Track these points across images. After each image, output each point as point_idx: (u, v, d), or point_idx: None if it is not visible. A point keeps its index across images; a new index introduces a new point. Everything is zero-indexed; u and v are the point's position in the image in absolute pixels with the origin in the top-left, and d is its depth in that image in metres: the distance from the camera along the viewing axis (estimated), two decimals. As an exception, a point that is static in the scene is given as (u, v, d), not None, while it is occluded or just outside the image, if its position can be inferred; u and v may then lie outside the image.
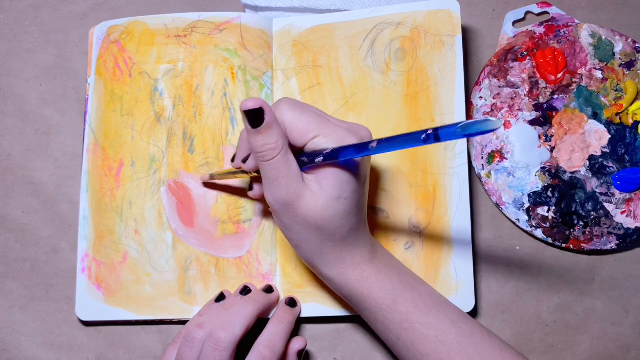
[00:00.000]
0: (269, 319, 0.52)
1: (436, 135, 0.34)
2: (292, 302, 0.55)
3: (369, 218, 0.56)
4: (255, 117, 0.42)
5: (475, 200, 0.59)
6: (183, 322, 0.56)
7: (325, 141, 0.43)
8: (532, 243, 0.59)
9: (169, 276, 0.56)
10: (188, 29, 0.58)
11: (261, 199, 0.55)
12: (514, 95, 0.59)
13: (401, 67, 0.57)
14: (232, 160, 0.51)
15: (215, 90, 0.57)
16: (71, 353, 0.57)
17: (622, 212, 0.57)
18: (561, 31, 0.60)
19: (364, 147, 0.40)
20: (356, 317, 0.56)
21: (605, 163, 0.58)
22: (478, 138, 0.58)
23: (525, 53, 0.59)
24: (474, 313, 0.57)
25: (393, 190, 0.56)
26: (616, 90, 0.58)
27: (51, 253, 0.58)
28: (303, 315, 0.55)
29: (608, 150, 0.58)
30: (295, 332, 0.57)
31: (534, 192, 0.58)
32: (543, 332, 0.58)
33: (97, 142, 0.57)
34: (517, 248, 0.59)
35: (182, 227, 0.56)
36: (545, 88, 0.59)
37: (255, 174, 0.49)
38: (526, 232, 0.58)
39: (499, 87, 0.59)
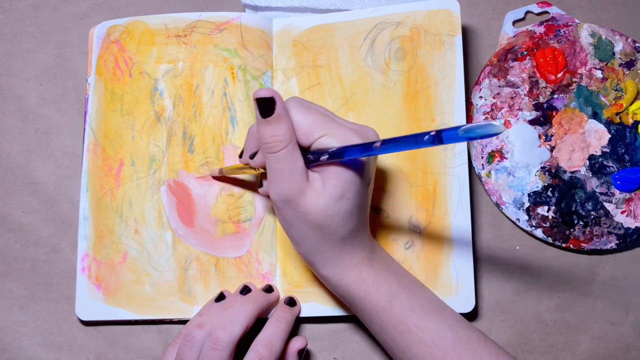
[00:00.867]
0: (268, 318, 0.52)
1: (439, 138, 0.34)
2: (291, 302, 0.54)
3: (370, 218, 0.56)
4: (266, 106, 0.42)
5: (475, 200, 0.59)
6: (183, 322, 0.56)
7: (332, 141, 0.43)
8: (532, 243, 0.59)
9: (169, 276, 0.56)
10: (188, 28, 0.58)
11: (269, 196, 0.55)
12: (514, 95, 0.59)
13: (401, 66, 0.57)
14: (240, 156, 0.51)
15: (215, 90, 0.57)
16: (71, 353, 0.57)
17: (622, 212, 0.57)
18: (561, 31, 0.60)
19: (368, 147, 0.40)
20: (356, 317, 0.56)
21: (605, 163, 0.58)
22: (478, 138, 0.58)
23: (525, 53, 0.59)
24: (474, 313, 0.57)
25: (393, 190, 0.56)
26: (616, 90, 0.58)
27: (51, 253, 0.58)
28: (303, 315, 0.55)
29: (608, 150, 0.58)
30: (295, 331, 0.57)
31: (534, 192, 0.58)
32: (543, 332, 0.58)
33: (97, 142, 0.57)
34: (517, 248, 0.59)
35: (182, 226, 0.56)
36: (545, 88, 0.59)
37: (263, 170, 0.49)
38: (526, 231, 0.58)
39: (499, 86, 0.59)
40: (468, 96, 0.60)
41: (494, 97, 0.59)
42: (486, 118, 0.59)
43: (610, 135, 0.58)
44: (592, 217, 0.57)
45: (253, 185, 0.57)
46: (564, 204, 0.57)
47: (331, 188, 0.43)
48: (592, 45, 0.59)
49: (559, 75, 0.59)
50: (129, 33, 0.59)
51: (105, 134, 0.57)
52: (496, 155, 0.58)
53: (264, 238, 0.56)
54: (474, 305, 0.55)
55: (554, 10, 0.60)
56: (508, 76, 0.59)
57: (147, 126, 0.57)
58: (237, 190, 0.57)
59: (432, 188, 0.56)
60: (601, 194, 0.57)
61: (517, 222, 0.58)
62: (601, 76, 0.59)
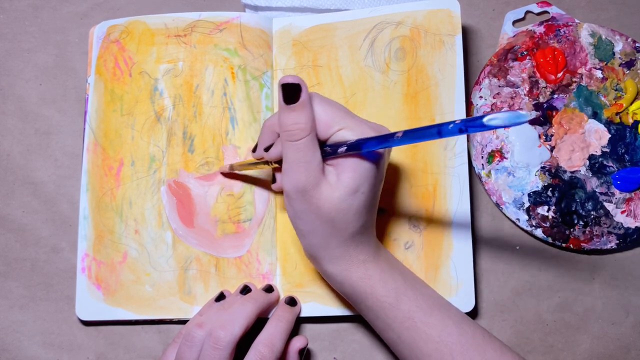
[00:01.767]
0: (269, 318, 0.52)
1: (464, 128, 0.34)
2: (292, 301, 0.54)
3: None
4: (291, 92, 0.43)
5: (475, 200, 0.59)
6: (183, 322, 0.56)
7: (350, 134, 0.44)
8: (532, 243, 0.59)
9: (169, 276, 0.56)
10: (188, 28, 0.58)
11: (281, 192, 0.55)
12: (514, 95, 0.59)
13: (401, 66, 0.57)
14: (254, 150, 0.51)
15: (215, 89, 0.57)
16: (71, 353, 0.57)
17: (622, 212, 0.57)
18: (561, 31, 0.60)
19: (388, 138, 0.40)
20: (356, 316, 0.56)
21: (605, 162, 0.58)
22: (478, 137, 0.59)
23: (525, 52, 0.59)
24: (474, 313, 0.57)
25: (393, 190, 0.56)
26: (616, 90, 0.58)
27: (51, 253, 0.58)
28: (303, 314, 0.55)
29: (608, 150, 0.58)
30: (295, 331, 0.57)
31: (534, 192, 0.58)
32: (543, 332, 0.58)
33: (97, 142, 0.57)
34: (517, 248, 0.59)
35: (182, 226, 0.56)
36: (545, 87, 0.59)
37: (276, 164, 0.49)
38: (526, 231, 0.58)
39: (499, 86, 0.59)
40: (468, 96, 0.60)
41: (494, 97, 0.59)
42: (486, 118, 0.58)
43: (610, 135, 0.58)
44: (592, 217, 0.57)
45: (262, 182, 0.57)
46: (564, 204, 0.57)
47: (346, 180, 0.44)
48: (592, 45, 0.59)
49: (559, 75, 0.59)
50: (129, 33, 0.59)
51: (105, 134, 0.57)
52: (496, 155, 0.58)
53: (264, 238, 0.56)
54: (474, 305, 0.55)
55: (554, 10, 0.60)
56: (508, 76, 0.59)
57: (147, 126, 0.57)
58: (237, 190, 0.57)
59: (432, 188, 0.56)
60: (601, 193, 0.57)
61: (517, 222, 0.58)
62: (601, 76, 0.59)
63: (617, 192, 0.57)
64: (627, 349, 0.58)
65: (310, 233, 0.46)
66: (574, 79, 0.59)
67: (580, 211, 0.57)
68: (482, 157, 0.58)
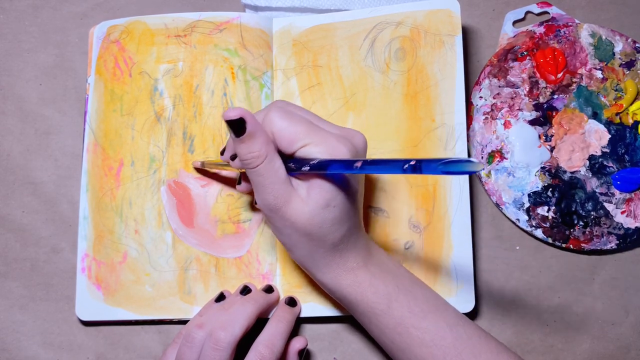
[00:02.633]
0: (269, 318, 0.52)
1: (418, 167, 0.34)
2: (292, 302, 0.54)
3: (369, 218, 0.56)
4: (237, 126, 0.42)
5: (475, 200, 0.59)
6: (183, 322, 0.56)
7: (315, 150, 0.43)
8: (532, 243, 0.59)
9: (169, 276, 0.56)
10: (188, 28, 0.58)
11: (250, 194, 0.55)
12: (514, 95, 0.59)
13: (401, 66, 0.57)
14: (222, 153, 0.51)
15: (215, 90, 0.57)
16: (71, 353, 0.57)
17: (622, 212, 0.57)
18: (561, 31, 0.60)
19: (349, 165, 0.39)
20: (356, 317, 0.56)
21: (605, 163, 0.58)
22: (478, 137, 0.59)
23: (525, 53, 0.59)
24: (474, 313, 0.57)
25: (393, 190, 0.56)
26: (616, 90, 0.58)
27: (51, 253, 0.58)
28: (303, 315, 0.55)
29: (608, 150, 0.58)
30: (295, 332, 0.57)
31: (534, 192, 0.58)
32: (543, 332, 0.58)
33: (97, 142, 0.57)
34: (517, 248, 0.59)
35: (182, 227, 0.56)
36: (545, 88, 0.59)
37: (244, 170, 0.49)
38: (526, 232, 0.58)
39: (499, 86, 0.59)
40: (468, 96, 0.60)
41: (494, 97, 0.59)
42: (486, 118, 0.59)
43: (610, 136, 0.58)
44: (592, 217, 0.57)
45: (231, 182, 0.57)
46: (564, 204, 0.57)
47: (315, 197, 0.43)
48: (592, 45, 0.59)
49: (559, 75, 0.59)
50: (129, 33, 0.59)
51: (105, 134, 0.57)
52: (496, 155, 0.58)
53: (264, 238, 0.56)
54: (473, 305, 0.55)
55: (554, 11, 0.60)
56: (508, 76, 0.59)
57: (147, 126, 0.57)
58: (236, 190, 0.57)
59: (432, 188, 0.56)
60: (601, 194, 0.57)
61: (517, 222, 0.58)
62: (601, 76, 0.59)
63: (617, 192, 0.57)
64: (627, 349, 0.58)
65: (294, 246, 0.46)
66: (574, 80, 0.59)
67: (580, 211, 0.57)
68: (482, 157, 0.58)
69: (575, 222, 0.57)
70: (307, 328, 0.58)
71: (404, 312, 0.47)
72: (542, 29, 0.60)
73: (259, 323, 0.51)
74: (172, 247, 0.56)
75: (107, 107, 0.58)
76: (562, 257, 0.59)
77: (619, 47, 0.59)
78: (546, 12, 0.61)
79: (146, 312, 0.56)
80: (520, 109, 0.59)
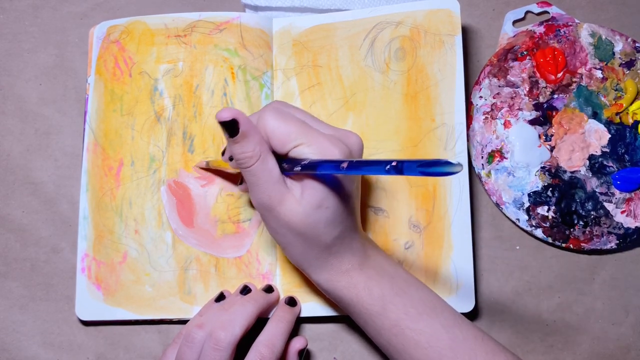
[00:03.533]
0: (269, 318, 0.52)
1: (400, 168, 0.34)
2: (292, 302, 0.54)
3: (369, 218, 0.56)
4: (230, 127, 0.42)
5: (475, 200, 0.59)
6: (183, 322, 0.56)
7: (308, 151, 0.43)
8: (532, 243, 0.59)
9: (169, 276, 0.56)
10: (188, 28, 0.58)
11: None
12: (514, 95, 0.59)
13: (401, 66, 0.57)
14: (223, 154, 0.52)
15: (215, 90, 0.57)
16: (71, 353, 0.57)
17: (622, 212, 0.57)
18: (561, 31, 0.60)
19: (336, 166, 0.40)
20: (356, 316, 0.56)
21: (605, 162, 0.58)
22: (478, 137, 0.59)
23: (525, 52, 0.59)
24: (474, 313, 0.57)
25: (393, 189, 0.56)
26: (616, 90, 0.58)
27: (51, 253, 0.58)
28: (303, 315, 0.55)
29: (608, 150, 0.58)
30: (295, 331, 0.57)
31: (534, 192, 0.58)
32: (543, 332, 0.58)
33: (97, 142, 0.57)
34: (517, 248, 0.59)
35: (181, 226, 0.56)
36: (545, 87, 0.59)
37: None
38: (526, 231, 0.58)
39: (499, 86, 0.59)
40: (468, 96, 0.60)
41: (494, 97, 0.59)
42: (486, 118, 0.59)
43: (610, 135, 0.58)
44: (592, 217, 0.57)
45: (233, 179, 0.57)
46: (564, 204, 0.57)
47: (308, 197, 0.43)
48: (592, 45, 0.59)
49: (559, 75, 0.59)
50: (129, 33, 0.59)
51: (105, 134, 0.57)
52: (496, 155, 0.58)
53: (264, 238, 0.56)
54: (473, 305, 0.55)
55: (553, 10, 0.60)
56: (508, 76, 0.59)
57: (147, 126, 0.57)
58: (237, 190, 0.57)
59: (432, 188, 0.56)
60: (601, 193, 0.57)
61: (517, 222, 0.58)
62: (601, 76, 0.59)
63: (617, 192, 0.57)
64: (627, 349, 0.58)
65: (289, 245, 0.46)
66: (574, 79, 0.59)
67: (580, 211, 0.57)
68: (482, 157, 0.58)
69: (575, 221, 0.57)
70: (307, 328, 0.58)
71: (399, 314, 0.47)
72: (542, 29, 0.60)
73: (259, 323, 0.51)
74: (172, 247, 0.56)
75: (107, 107, 0.58)
76: (562, 257, 0.59)
77: (619, 47, 0.59)
78: (546, 12, 0.61)
79: (146, 312, 0.56)
80: (520, 109, 0.59)
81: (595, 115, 0.58)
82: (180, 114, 0.57)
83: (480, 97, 0.59)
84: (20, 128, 0.60)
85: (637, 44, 0.59)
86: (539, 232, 0.57)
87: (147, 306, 0.56)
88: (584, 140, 0.58)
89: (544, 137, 0.58)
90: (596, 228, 0.57)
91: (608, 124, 0.58)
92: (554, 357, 0.57)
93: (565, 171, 0.58)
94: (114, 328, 0.57)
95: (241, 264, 0.56)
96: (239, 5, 0.62)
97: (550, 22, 0.60)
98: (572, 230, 0.57)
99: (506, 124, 0.58)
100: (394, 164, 0.34)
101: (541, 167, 0.58)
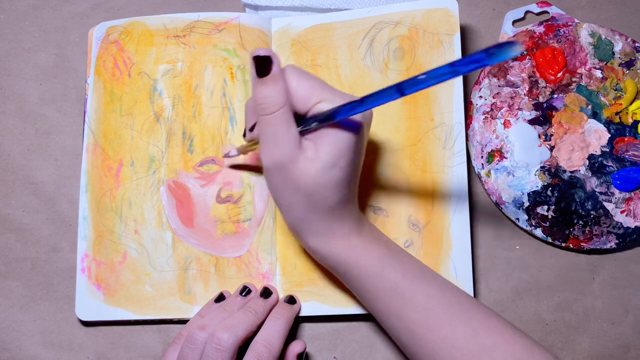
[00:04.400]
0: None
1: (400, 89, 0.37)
2: (291, 300, 0.55)
3: (369, 217, 0.56)
4: (262, 65, 0.43)
5: (474, 200, 0.59)
6: (183, 322, 0.56)
7: (329, 106, 0.44)
8: (532, 242, 0.59)
9: (169, 276, 0.56)
10: (187, 29, 0.58)
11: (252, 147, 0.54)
12: (514, 95, 0.59)
13: (400, 66, 0.57)
14: (244, 135, 0.51)
15: (215, 90, 0.58)
16: (71, 352, 0.57)
17: (622, 211, 0.57)
18: (561, 30, 0.59)
19: (355, 104, 0.41)
20: (356, 316, 0.56)
21: (604, 162, 0.58)
22: (477, 137, 0.58)
23: (525, 52, 0.59)
24: (473, 312, 0.57)
25: (392, 189, 0.56)
26: (616, 90, 0.58)
27: (51, 252, 0.59)
28: (303, 314, 0.55)
29: (608, 150, 0.58)
30: (294, 331, 0.57)
31: (534, 192, 0.58)
32: (543, 332, 0.58)
33: (96, 142, 0.58)
34: (517, 247, 0.59)
35: (181, 226, 0.56)
36: (545, 87, 0.59)
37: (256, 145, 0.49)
38: (526, 231, 0.58)
39: (499, 86, 0.59)
40: (468, 96, 0.60)
41: (493, 97, 0.59)
42: (486, 118, 0.59)
43: (609, 135, 0.58)
44: (591, 216, 0.57)
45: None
46: (564, 204, 0.57)
47: (324, 156, 0.43)
48: (592, 45, 0.59)
49: (559, 75, 0.59)
50: (128, 33, 0.59)
51: (105, 135, 0.58)
52: (496, 154, 0.58)
53: (264, 238, 0.56)
54: (473, 305, 0.55)
55: (553, 10, 0.60)
56: (508, 76, 0.59)
57: (147, 126, 0.58)
58: (236, 190, 0.57)
59: (432, 187, 0.56)
60: (601, 193, 0.57)
61: (517, 222, 0.58)
62: (601, 76, 0.59)
63: (616, 191, 0.57)
64: (627, 349, 0.58)
65: (290, 207, 0.46)
66: (573, 79, 0.59)
67: (580, 211, 0.57)
68: (482, 156, 0.58)
69: (575, 221, 0.57)
70: (307, 327, 0.58)
71: (397, 275, 0.47)
72: (541, 29, 0.60)
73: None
74: (172, 247, 0.56)
75: (106, 107, 0.58)
76: (562, 256, 0.59)
77: (618, 47, 0.59)
78: (546, 12, 0.61)
79: (146, 312, 0.56)
80: (520, 109, 0.59)
81: (595, 115, 0.58)
82: (180, 114, 0.57)
83: (480, 96, 0.59)
84: (21, 128, 0.61)
85: (636, 44, 0.59)
86: (538, 232, 0.57)
87: (147, 306, 0.56)
88: (583, 139, 0.58)
89: (544, 137, 0.58)
90: (596, 228, 0.57)
91: (608, 123, 0.58)
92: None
93: (565, 171, 0.58)
94: (114, 327, 0.57)
95: (241, 263, 0.56)
96: (239, 5, 0.62)
97: (550, 22, 0.60)
98: (571, 229, 0.57)
99: (506, 124, 0.58)
100: (422, 76, 0.36)
101: (541, 167, 0.58)
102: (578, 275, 0.58)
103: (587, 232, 0.57)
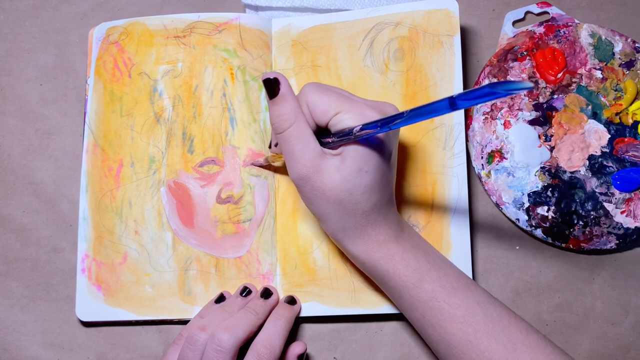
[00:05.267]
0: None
1: (453, 103, 0.35)
2: (291, 300, 0.55)
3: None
4: (271, 86, 0.45)
5: (474, 200, 0.59)
6: (183, 322, 0.56)
7: (348, 117, 0.44)
8: (532, 243, 0.59)
9: (169, 276, 0.56)
10: (187, 29, 0.58)
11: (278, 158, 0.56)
12: (514, 95, 0.59)
13: (400, 67, 0.57)
14: (269, 147, 0.53)
15: (215, 90, 0.58)
16: (71, 352, 0.57)
17: (622, 212, 0.57)
18: (561, 31, 0.59)
19: (389, 121, 0.40)
20: (356, 316, 0.56)
21: (605, 163, 0.58)
22: (477, 137, 0.58)
23: (525, 53, 0.59)
24: (473, 313, 0.57)
25: (392, 190, 0.56)
26: (616, 90, 0.58)
27: (51, 253, 0.59)
28: (303, 314, 0.55)
29: (608, 150, 0.58)
30: (295, 331, 0.57)
31: (534, 192, 0.58)
32: (543, 332, 0.57)
33: (96, 143, 0.58)
34: (517, 248, 0.59)
35: (181, 227, 0.56)
36: (545, 88, 0.59)
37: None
38: (526, 231, 0.58)
39: (499, 86, 0.59)
40: (468, 96, 0.60)
41: (493, 97, 0.59)
42: (486, 118, 0.59)
43: (610, 136, 0.58)
44: (591, 217, 0.57)
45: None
46: (564, 204, 0.57)
47: (349, 162, 0.44)
48: (592, 45, 0.59)
49: (559, 75, 0.59)
50: (128, 34, 0.59)
51: (105, 135, 0.58)
52: (496, 155, 0.58)
53: (264, 238, 0.56)
54: (473, 305, 0.55)
55: (553, 11, 0.60)
56: (508, 76, 0.59)
57: (147, 127, 0.58)
58: (237, 190, 0.57)
59: (431, 188, 0.56)
60: (601, 194, 0.57)
61: (517, 222, 0.58)
62: (601, 76, 0.59)
63: (616, 192, 0.57)
64: (627, 349, 0.58)
65: (325, 216, 0.47)
66: (573, 80, 0.59)
67: (580, 211, 0.57)
68: (482, 157, 0.58)
69: (575, 221, 0.57)
70: (307, 328, 0.58)
71: (435, 287, 0.47)
72: (541, 29, 0.60)
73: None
74: (172, 248, 0.56)
75: (106, 108, 0.58)
76: (562, 257, 0.59)
77: (618, 47, 0.59)
78: (546, 12, 0.61)
79: (146, 313, 0.56)
80: (520, 109, 0.59)
81: (595, 116, 0.58)
82: (180, 114, 0.57)
83: (480, 97, 0.59)
84: (21, 128, 0.61)
85: (636, 44, 0.59)
86: (538, 232, 0.57)
87: (148, 307, 0.56)
88: (583, 140, 0.58)
89: (544, 138, 0.58)
90: (596, 228, 0.57)
91: (608, 124, 0.58)
92: (554, 357, 0.57)
93: (565, 171, 0.58)
94: (114, 328, 0.57)
95: (241, 264, 0.56)
96: (239, 6, 0.62)
97: (550, 23, 0.60)
98: (571, 230, 0.57)
99: (506, 124, 0.58)
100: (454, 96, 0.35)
101: (541, 167, 0.58)
102: (578, 276, 0.59)
103: (587, 232, 0.57)
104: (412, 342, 0.57)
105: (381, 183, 0.46)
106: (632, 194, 0.57)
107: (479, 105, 0.59)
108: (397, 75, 0.57)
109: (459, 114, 0.56)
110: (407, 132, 0.57)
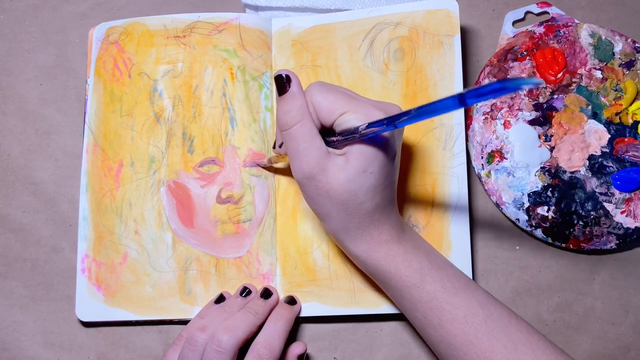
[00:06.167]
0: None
1: (462, 100, 0.34)
2: (291, 300, 0.55)
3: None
4: (282, 83, 0.45)
5: (474, 200, 0.59)
6: (183, 323, 0.56)
7: (353, 117, 0.44)
8: (532, 243, 0.59)
9: (169, 276, 0.56)
10: (187, 29, 0.58)
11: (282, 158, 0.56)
12: (514, 95, 0.59)
13: (400, 67, 0.57)
14: (274, 147, 0.53)
15: (215, 90, 0.57)
16: (71, 352, 0.57)
17: (622, 212, 0.57)
18: (561, 31, 0.59)
19: (394, 118, 0.41)
20: (356, 316, 0.56)
21: (605, 163, 0.58)
22: (478, 137, 0.58)
23: (525, 53, 0.59)
24: (473, 313, 0.57)
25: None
26: (616, 90, 0.58)
27: (51, 253, 0.59)
28: (303, 314, 0.55)
29: (608, 150, 0.58)
30: (295, 331, 0.57)
31: (534, 192, 0.58)
32: (543, 332, 0.58)
33: (96, 143, 0.58)
34: (517, 248, 0.59)
35: (181, 227, 0.56)
36: (545, 88, 0.59)
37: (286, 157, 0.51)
38: (526, 231, 0.58)
39: (499, 86, 0.59)
40: (468, 96, 0.60)
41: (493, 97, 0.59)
42: (486, 118, 0.59)
43: (610, 136, 0.58)
44: (591, 217, 0.57)
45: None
46: (564, 204, 0.57)
47: (353, 162, 0.44)
48: (592, 45, 0.59)
49: (559, 75, 0.59)
50: (128, 34, 0.59)
51: (105, 135, 0.58)
52: (496, 155, 0.58)
53: (264, 238, 0.56)
54: (473, 305, 0.55)
55: (553, 11, 0.60)
56: (508, 76, 0.59)
57: (147, 127, 0.57)
58: (237, 190, 0.57)
59: (431, 188, 0.56)
60: (601, 194, 0.57)
61: (517, 222, 0.58)
62: (601, 76, 0.59)
63: (616, 192, 0.57)
64: (627, 349, 0.58)
65: (327, 216, 0.47)
66: (573, 80, 0.59)
67: (580, 211, 0.57)
68: (482, 157, 0.58)
69: (575, 222, 0.57)
70: (307, 328, 0.58)
71: (436, 287, 0.47)
72: (541, 29, 0.60)
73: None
74: (172, 248, 0.56)
75: (106, 108, 0.58)
76: (562, 257, 0.59)
77: (618, 47, 0.59)
78: (546, 12, 0.61)
79: (146, 313, 0.56)
80: (520, 109, 0.59)
81: (595, 116, 0.58)
82: (180, 114, 0.57)
83: (480, 97, 0.59)
84: (21, 128, 0.61)
85: (636, 44, 0.59)
86: (538, 232, 0.57)
87: (148, 307, 0.56)
88: (583, 140, 0.58)
89: (544, 138, 0.58)
90: (596, 228, 0.57)
91: (608, 124, 0.58)
92: (554, 357, 0.57)
93: (565, 171, 0.58)
94: (114, 328, 0.57)
95: (241, 264, 0.56)
96: (239, 6, 0.62)
97: (550, 23, 0.60)
98: (571, 230, 0.57)
99: (506, 124, 0.58)
100: (463, 92, 0.34)
101: (541, 167, 0.58)
102: (578, 276, 0.59)
103: (587, 232, 0.57)
104: (412, 342, 0.57)
105: (385, 184, 0.46)
106: (632, 194, 0.57)
107: (479, 105, 0.59)
108: (397, 76, 0.57)
109: (459, 114, 0.56)
110: (407, 132, 0.57)
